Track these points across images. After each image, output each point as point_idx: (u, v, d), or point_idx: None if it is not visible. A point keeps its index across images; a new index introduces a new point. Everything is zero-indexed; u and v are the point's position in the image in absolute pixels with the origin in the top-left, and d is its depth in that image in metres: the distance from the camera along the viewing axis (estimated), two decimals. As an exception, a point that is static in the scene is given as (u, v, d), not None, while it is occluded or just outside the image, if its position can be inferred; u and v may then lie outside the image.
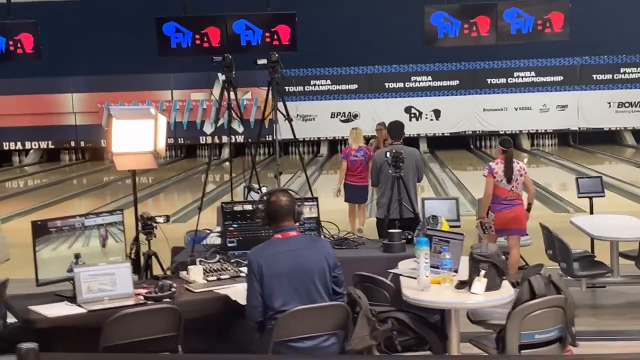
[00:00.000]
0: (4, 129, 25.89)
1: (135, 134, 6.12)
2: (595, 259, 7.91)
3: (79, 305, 4.83)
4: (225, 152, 25.99)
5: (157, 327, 4.73)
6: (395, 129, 8.42)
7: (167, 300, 4.91)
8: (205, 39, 11.23)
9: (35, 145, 26.52)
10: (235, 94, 6.90)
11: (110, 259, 5.26)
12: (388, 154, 6.88)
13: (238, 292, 5.12)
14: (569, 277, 7.45)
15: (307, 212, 5.74)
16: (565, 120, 25.44)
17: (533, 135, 25.84)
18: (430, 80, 25.53)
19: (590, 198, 9.09)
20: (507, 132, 23.99)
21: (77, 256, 5.18)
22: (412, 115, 24.99)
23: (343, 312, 4.75)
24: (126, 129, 6.09)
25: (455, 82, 25.47)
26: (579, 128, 25.46)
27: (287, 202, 4.82)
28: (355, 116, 25.24)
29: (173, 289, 4.98)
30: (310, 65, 23.93)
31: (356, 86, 25.65)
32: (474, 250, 4.98)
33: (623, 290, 8.01)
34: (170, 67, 22.18)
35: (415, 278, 5.12)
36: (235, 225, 5.98)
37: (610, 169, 18.68)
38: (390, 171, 6.80)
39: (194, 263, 5.46)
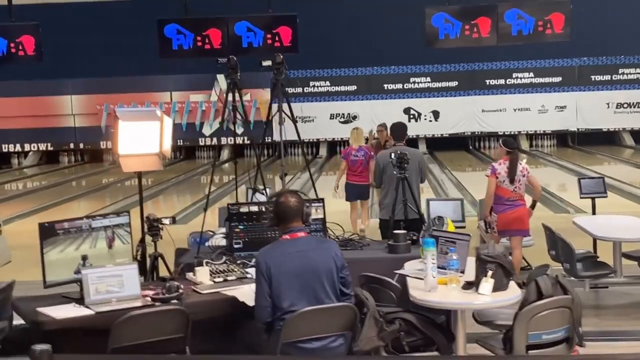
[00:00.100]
0: (3, 131, 25.87)
1: (141, 135, 6.12)
2: (598, 259, 7.93)
3: (87, 307, 4.83)
4: (225, 154, 26.03)
5: (165, 329, 4.74)
6: (398, 130, 8.45)
7: (175, 301, 4.92)
8: (207, 41, 11.23)
9: (34, 147, 26.50)
10: (240, 96, 6.90)
11: (117, 260, 5.27)
12: (393, 155, 6.89)
13: (245, 293, 5.13)
14: (572, 278, 7.46)
15: (313, 213, 5.74)
16: (564, 121, 25.47)
17: (532, 136, 25.88)
18: (429, 82, 25.56)
19: (593, 199, 9.10)
20: (506, 133, 24.07)
21: (84, 258, 5.18)
22: (411, 116, 25.01)
23: (351, 313, 4.76)
24: (132, 130, 6.09)
25: (454, 83, 25.51)
26: (578, 129, 25.50)
27: (295, 203, 4.84)
28: (355, 117, 25.25)
29: (180, 291, 4.99)
30: (309, 66, 23.94)
31: (355, 87, 25.68)
32: (481, 251, 4.99)
33: (626, 290, 8.02)
34: (169, 69, 22.18)
35: (422, 279, 5.13)
36: (242, 227, 5.99)
37: (609, 170, 18.71)
38: (395, 172, 6.81)
39: (200, 264, 5.46)
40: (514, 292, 4.98)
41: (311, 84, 25.37)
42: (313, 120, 25.12)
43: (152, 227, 5.77)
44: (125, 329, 4.60)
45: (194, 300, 5.08)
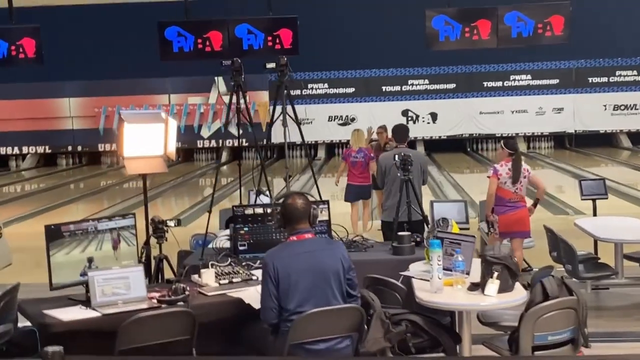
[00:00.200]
0: (1, 133, 25.87)
1: (146, 138, 6.13)
2: (600, 261, 7.95)
3: (94, 309, 4.84)
4: (224, 156, 26.02)
5: (172, 331, 4.74)
6: (400, 132, 8.47)
7: (181, 303, 4.93)
8: (207, 43, 11.23)
9: (32, 149, 26.48)
10: (245, 98, 6.92)
11: (122, 262, 5.28)
12: (396, 156, 6.90)
13: (251, 295, 5.14)
14: (574, 279, 7.48)
15: (319, 214, 5.75)
16: (562, 123, 25.52)
17: (529, 138, 25.91)
18: (427, 84, 25.61)
19: (594, 200, 9.13)
20: (503, 135, 24.10)
21: (90, 260, 5.19)
22: (409, 118, 25.03)
23: (357, 315, 4.77)
24: (137, 133, 6.10)
25: (451, 86, 25.56)
26: (575, 131, 25.55)
27: (302, 205, 4.85)
28: (353, 119, 25.28)
29: (187, 293, 5.00)
30: (307, 68, 23.95)
31: (353, 89, 25.71)
32: (486, 253, 5.01)
33: (627, 292, 8.04)
34: (167, 72, 22.18)
35: (427, 280, 5.15)
36: (247, 229, 6.00)
37: (607, 172, 18.74)
38: (399, 174, 6.83)
39: (206, 266, 5.47)
40: (519, 294, 4.99)
41: (309, 86, 25.39)
42: (311, 122, 25.14)
43: (157, 229, 5.79)
44: (132, 331, 4.60)
45: (200, 302, 5.08)
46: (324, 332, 4.70)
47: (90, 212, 14.73)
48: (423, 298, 5.00)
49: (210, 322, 4.96)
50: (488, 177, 8.31)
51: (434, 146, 25.21)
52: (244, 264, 5.75)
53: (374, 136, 12.50)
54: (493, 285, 4.91)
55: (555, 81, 25.34)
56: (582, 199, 9.26)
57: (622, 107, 25.29)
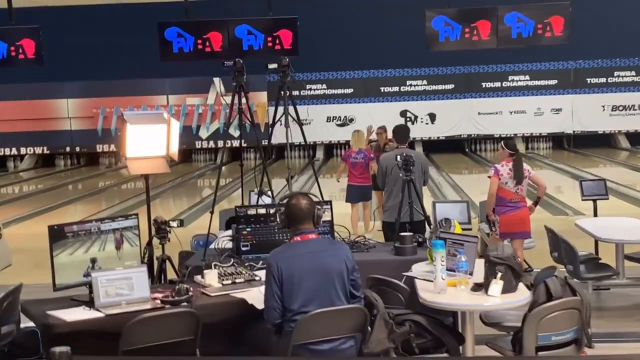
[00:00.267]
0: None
1: (149, 138, 6.13)
2: (601, 261, 7.95)
3: (97, 310, 4.83)
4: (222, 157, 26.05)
5: (176, 331, 4.74)
6: (401, 132, 8.47)
7: (185, 304, 4.92)
8: (207, 44, 11.21)
9: (30, 150, 26.47)
10: (247, 99, 6.92)
11: (126, 263, 5.28)
12: (399, 157, 6.91)
13: (254, 296, 5.14)
14: (575, 280, 7.47)
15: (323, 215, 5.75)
16: (560, 124, 25.55)
17: (528, 139, 25.93)
18: (425, 84, 25.63)
19: (594, 201, 9.13)
20: (502, 135, 24.13)
21: (93, 261, 5.19)
22: (408, 119, 25.06)
23: (361, 315, 4.77)
24: (140, 133, 6.10)
25: (450, 86, 25.58)
26: (574, 131, 25.58)
27: (307, 205, 4.86)
28: (351, 120, 25.29)
29: (190, 293, 5.00)
30: (305, 69, 23.94)
31: (352, 90, 25.72)
32: (490, 253, 5.01)
33: (628, 292, 8.04)
34: (165, 72, 22.17)
35: (430, 281, 5.15)
36: (249, 229, 6.00)
37: (605, 172, 18.76)
38: (401, 174, 6.83)
39: (209, 267, 5.47)
40: (523, 294, 4.99)
41: (307, 86, 25.38)
42: (310, 123, 25.15)
43: (160, 229, 5.78)
44: (136, 332, 4.60)
45: (204, 302, 5.08)
46: (328, 333, 4.70)
47: (88, 213, 14.72)
48: (427, 298, 5.00)
49: (213, 322, 4.96)
50: (489, 177, 8.32)
51: (433, 147, 25.21)
52: (246, 264, 5.75)
53: (373, 136, 12.52)
54: (497, 285, 4.91)
55: (553, 82, 25.38)
56: (582, 200, 9.26)
57: (621, 108, 25.33)
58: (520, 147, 25.31)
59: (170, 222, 5.85)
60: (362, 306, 4.83)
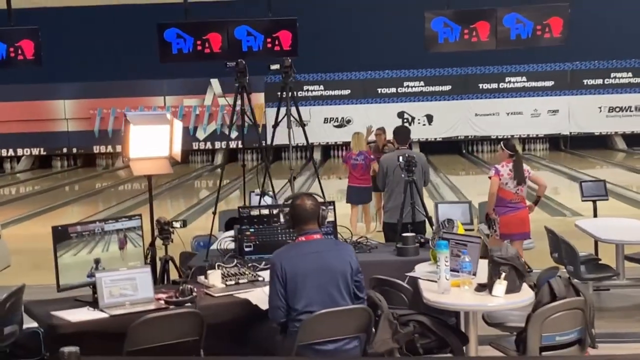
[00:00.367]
0: (-4, 135, 25.86)
1: (152, 139, 6.13)
2: (601, 262, 7.96)
3: (101, 310, 4.84)
4: (218, 158, 26.03)
5: (181, 331, 4.75)
6: (402, 133, 8.49)
7: (189, 304, 4.93)
8: (207, 45, 11.19)
9: (27, 151, 26.44)
10: (249, 99, 6.92)
11: (129, 263, 5.28)
12: (401, 158, 6.92)
13: (258, 296, 5.15)
14: (575, 280, 7.49)
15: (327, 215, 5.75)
16: (557, 125, 25.60)
17: (524, 140, 25.97)
18: (422, 86, 25.66)
19: (594, 202, 9.15)
20: (499, 137, 24.21)
21: (97, 261, 5.19)
22: (405, 120, 25.10)
23: (366, 315, 4.78)
24: (143, 134, 6.10)
25: (447, 88, 25.62)
26: (570, 133, 25.63)
27: (311, 205, 4.87)
28: (348, 121, 25.30)
29: (194, 294, 5.00)
30: (303, 70, 23.89)
31: (349, 91, 25.73)
32: (494, 253, 5.02)
33: (628, 293, 8.06)
34: (162, 73, 22.15)
35: (434, 281, 5.15)
36: (252, 230, 6.00)
37: (602, 173, 18.76)
38: (403, 175, 6.84)
39: (212, 268, 5.47)
40: (526, 294, 5.00)
41: (305, 88, 25.40)
42: (307, 124, 25.13)
43: (163, 230, 5.79)
44: (141, 332, 4.60)
45: (207, 303, 5.09)
46: (333, 333, 4.71)
47: (85, 214, 14.70)
48: (431, 299, 5.00)
49: (217, 323, 4.96)
50: (489, 177, 8.34)
51: (430, 148, 25.15)
52: (249, 265, 5.76)
53: (372, 137, 12.55)
54: (501, 286, 4.92)
55: (550, 83, 25.43)
56: (582, 200, 9.27)
57: (617, 109, 25.38)
58: (518, 148, 25.34)
59: (173, 222, 5.85)
60: (366, 306, 4.83)
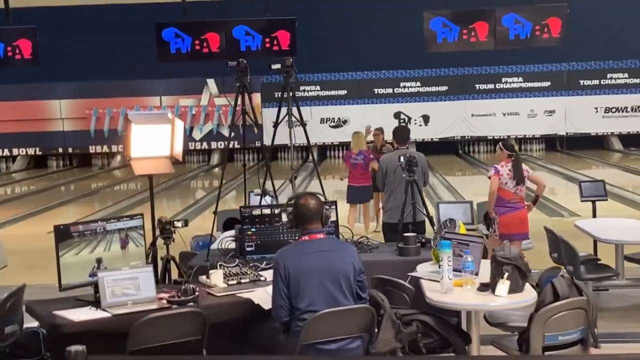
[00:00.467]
0: (-8, 135, 25.79)
1: (153, 138, 6.12)
2: (600, 262, 7.97)
3: (104, 310, 4.82)
4: (215, 158, 26.00)
5: (183, 331, 4.74)
6: (402, 133, 8.49)
7: (192, 304, 4.92)
8: (205, 45, 11.19)
9: (22, 151, 26.38)
10: (250, 99, 6.91)
11: (131, 263, 5.27)
12: (402, 158, 6.92)
13: (260, 296, 5.15)
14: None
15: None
16: (553, 125, 25.63)
17: (521, 140, 25.98)
18: (419, 86, 25.66)
19: (593, 202, 9.16)
20: (495, 137, 24.25)
21: (99, 261, 5.18)
22: (402, 120, 25.08)
23: (369, 315, 4.78)
24: (144, 133, 6.09)
25: (443, 88, 25.62)
26: (567, 133, 25.65)
27: (315, 205, 4.87)
28: (345, 122, 25.27)
29: (196, 293, 4.99)
30: (299, 71, 23.84)
31: (345, 92, 25.72)
32: (496, 253, 5.02)
33: (627, 293, 8.06)
34: (158, 73, 22.13)
35: (436, 281, 5.15)
36: (254, 229, 5.99)
37: (598, 174, 18.80)
38: (404, 175, 6.84)
39: (214, 267, 5.46)
40: (529, 294, 5.00)
41: (301, 88, 25.36)
42: (306, 123, 25.09)
43: (165, 229, 5.77)
44: (144, 331, 4.59)
45: (210, 302, 5.08)
46: (336, 333, 4.71)
47: (81, 214, 14.66)
48: (433, 298, 5.00)
49: (219, 322, 4.95)
50: (489, 177, 8.35)
51: (426, 148, 25.05)
52: (251, 264, 5.75)
53: (370, 137, 12.55)
54: (503, 285, 4.92)
55: (546, 84, 25.45)
56: (582, 201, 9.28)
57: (613, 110, 25.42)
58: (516, 148, 25.35)
59: (175, 222, 5.84)
60: (369, 306, 4.83)
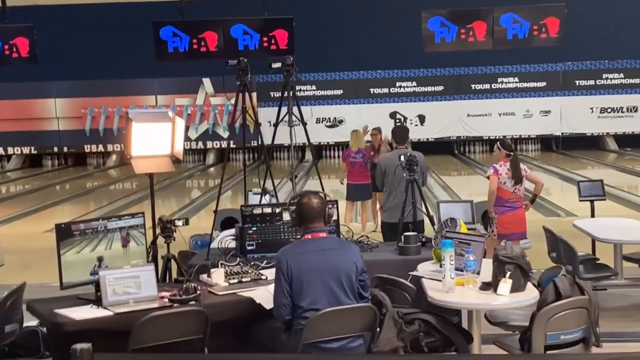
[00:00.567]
0: (-13, 134, 25.70)
1: (153, 137, 6.10)
2: (598, 261, 7.98)
3: (105, 308, 4.81)
4: (210, 158, 25.95)
5: (186, 330, 4.74)
6: (401, 133, 8.50)
7: (193, 302, 4.91)
8: (203, 44, 11.17)
9: (17, 150, 26.28)
10: (251, 98, 6.90)
11: (132, 262, 5.26)
12: (402, 157, 6.92)
13: (261, 294, 5.15)
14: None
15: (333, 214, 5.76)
16: (549, 126, 25.65)
17: (516, 141, 25.94)
18: (415, 86, 25.66)
19: (592, 202, 9.16)
20: (491, 137, 24.27)
21: (100, 259, 5.16)
22: (397, 120, 25.08)
23: (371, 314, 4.78)
24: (145, 132, 6.07)
25: (439, 88, 25.62)
26: (562, 133, 25.68)
27: (318, 204, 4.87)
28: (341, 121, 25.23)
29: (198, 292, 4.98)
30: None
31: (341, 92, 25.70)
32: (499, 252, 5.02)
33: (625, 292, 8.07)
34: (154, 72, 22.10)
35: (438, 280, 5.15)
36: (255, 228, 5.98)
37: (593, 174, 18.82)
38: (405, 174, 6.84)
39: (215, 266, 5.45)
40: (531, 293, 5.01)
41: (297, 87, 25.25)
42: (299, 124, 25.05)
43: (166, 228, 5.76)
44: (146, 330, 4.59)
45: (211, 301, 5.08)
46: (338, 331, 4.71)
47: (76, 214, 14.62)
48: (435, 297, 5.01)
49: (221, 321, 4.95)
50: (487, 177, 8.36)
51: (422, 148, 25.01)
52: (252, 263, 5.74)
53: (368, 137, 12.55)
54: (505, 284, 4.93)
55: (542, 84, 25.48)
56: (580, 200, 9.29)
57: (609, 110, 25.45)
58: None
59: (176, 220, 5.83)
60: (372, 305, 4.83)
